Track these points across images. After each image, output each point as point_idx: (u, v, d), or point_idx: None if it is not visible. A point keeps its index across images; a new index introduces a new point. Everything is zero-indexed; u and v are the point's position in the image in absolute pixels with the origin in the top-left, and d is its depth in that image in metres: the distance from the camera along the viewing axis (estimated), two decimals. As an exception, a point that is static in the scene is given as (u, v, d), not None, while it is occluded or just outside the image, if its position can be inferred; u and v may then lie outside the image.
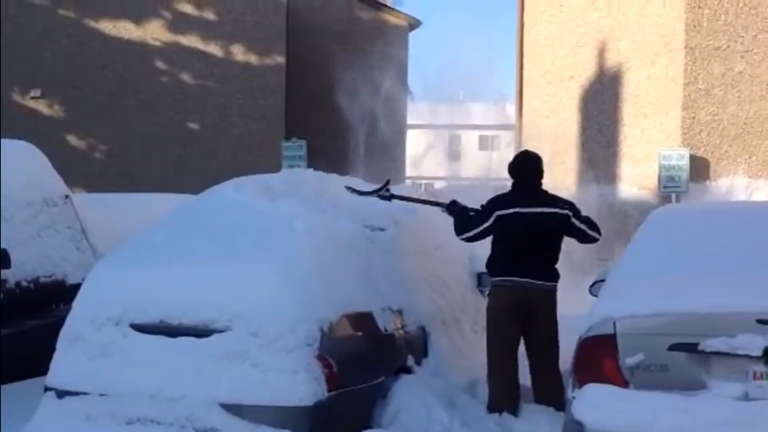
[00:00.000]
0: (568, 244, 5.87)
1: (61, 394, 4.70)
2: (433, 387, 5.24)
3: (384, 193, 6.11)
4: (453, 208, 5.79)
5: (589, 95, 15.65)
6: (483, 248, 6.81)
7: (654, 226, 4.69)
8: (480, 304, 6.75)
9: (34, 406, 4.77)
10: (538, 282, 5.45)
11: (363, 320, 5.02)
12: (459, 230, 5.65)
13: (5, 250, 5.94)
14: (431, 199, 6.24)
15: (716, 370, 3.45)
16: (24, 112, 17.05)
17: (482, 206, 5.63)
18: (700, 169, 12.95)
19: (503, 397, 5.30)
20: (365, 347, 4.97)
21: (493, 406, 5.27)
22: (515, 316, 5.43)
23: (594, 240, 5.67)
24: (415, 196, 6.46)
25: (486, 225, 5.49)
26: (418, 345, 5.55)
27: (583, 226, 5.58)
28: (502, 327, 5.46)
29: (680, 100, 13.04)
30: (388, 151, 22.22)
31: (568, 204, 5.63)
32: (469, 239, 5.67)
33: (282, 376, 4.37)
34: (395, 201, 6.15)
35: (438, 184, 36.28)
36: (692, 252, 4.14)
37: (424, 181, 42.06)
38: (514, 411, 5.26)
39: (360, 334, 5.00)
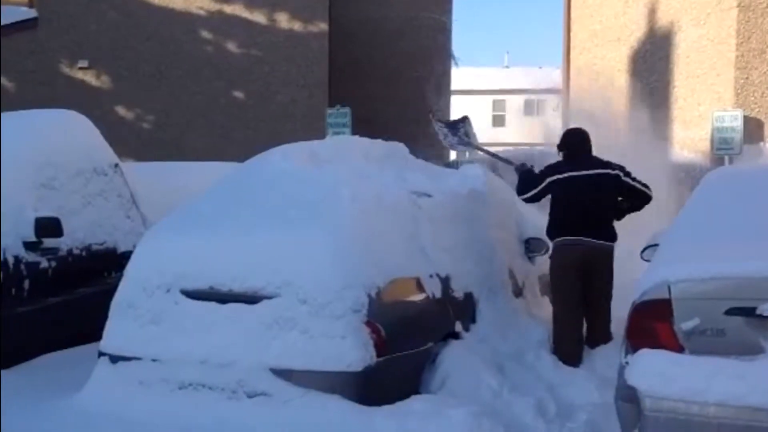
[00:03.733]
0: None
1: (115, 359, 4.79)
2: (481, 353, 5.22)
3: (463, 137, 6.38)
4: (522, 169, 6.30)
5: (638, 57, 15.30)
6: (531, 214, 6.77)
7: (708, 188, 4.58)
8: (529, 270, 6.70)
9: (88, 371, 4.86)
10: (596, 241, 5.86)
11: (410, 286, 5.01)
12: (519, 191, 6.16)
13: (57, 219, 6.03)
14: (505, 157, 6.61)
15: (775, 335, 3.36)
16: (72, 83, 17.24)
17: (540, 171, 6.09)
18: (754, 130, 12.61)
19: (566, 352, 5.71)
20: (413, 313, 4.96)
21: (558, 355, 5.69)
22: (576, 272, 5.85)
23: (646, 197, 6.07)
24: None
25: (538, 189, 5.97)
26: (466, 311, 5.53)
27: (634, 184, 6.01)
28: (565, 284, 5.89)
29: (733, 60, 12.67)
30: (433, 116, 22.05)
31: (618, 167, 6.05)
32: (526, 200, 6.16)
33: (331, 342, 4.38)
34: (471, 149, 6.38)
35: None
36: (748, 215, 4.03)
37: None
38: (575, 363, 5.66)
39: (408, 299, 4.99)
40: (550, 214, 6.06)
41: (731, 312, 3.40)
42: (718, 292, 3.45)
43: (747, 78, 12.72)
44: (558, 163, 6.12)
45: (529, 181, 6.07)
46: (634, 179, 6.03)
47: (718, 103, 12.91)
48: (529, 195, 6.04)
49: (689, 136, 13.78)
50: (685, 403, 3.30)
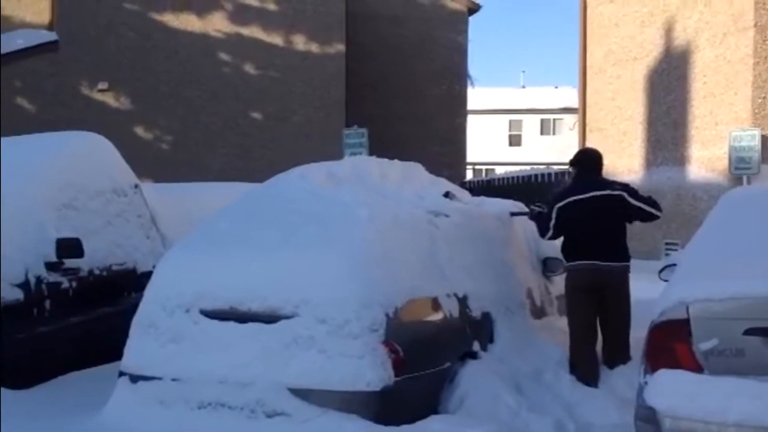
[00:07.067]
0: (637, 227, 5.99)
1: (135, 378, 4.81)
2: (499, 372, 5.21)
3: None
4: (534, 212, 6.36)
5: (655, 76, 15.31)
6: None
7: (727, 208, 4.57)
8: (547, 289, 6.70)
9: (109, 391, 4.89)
10: (606, 263, 5.85)
11: (428, 305, 5.01)
12: (540, 233, 6.19)
13: (78, 239, 6.08)
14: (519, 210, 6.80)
15: (795, 355, 3.34)
16: (92, 104, 17.45)
17: (548, 203, 6.15)
18: (772, 149, 12.56)
19: (583, 372, 5.70)
20: (431, 332, 4.96)
21: (576, 375, 5.67)
22: (589, 294, 5.88)
23: (653, 216, 6.03)
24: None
25: (552, 224, 5.99)
26: (484, 331, 5.53)
27: (639, 204, 5.97)
28: (578, 306, 5.93)
29: (750, 80, 12.66)
30: (449, 136, 22.12)
31: (621, 186, 6.10)
32: (551, 238, 6.18)
33: (349, 362, 4.39)
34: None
35: (499, 170, 36.07)
36: (766, 234, 4.02)
37: (484, 167, 41.67)
38: (594, 384, 5.65)
39: (426, 319, 5.00)
40: (563, 237, 6.11)
41: (750, 332, 3.39)
42: (737, 311, 3.44)
43: (764, 97, 12.69)
44: (562, 189, 6.26)
45: (542, 219, 6.11)
46: (640, 198, 6.00)
47: (736, 122, 12.88)
48: (549, 234, 6.06)
49: (706, 156, 13.74)
50: (704, 423, 3.29)
